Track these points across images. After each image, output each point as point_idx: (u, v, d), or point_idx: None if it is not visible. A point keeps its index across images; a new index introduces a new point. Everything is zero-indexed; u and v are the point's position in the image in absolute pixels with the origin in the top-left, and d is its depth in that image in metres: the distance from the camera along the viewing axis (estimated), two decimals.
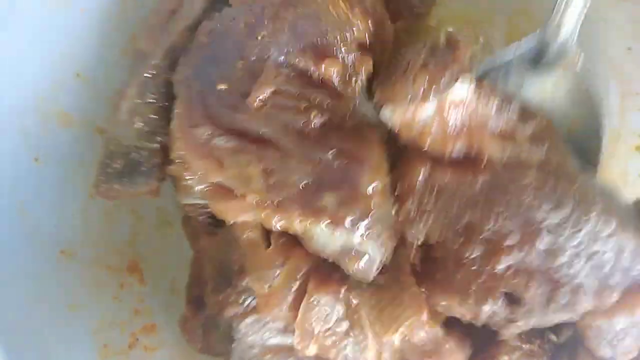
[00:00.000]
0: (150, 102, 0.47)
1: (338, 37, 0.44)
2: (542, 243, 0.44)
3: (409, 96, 0.43)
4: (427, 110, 0.44)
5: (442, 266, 0.45)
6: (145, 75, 0.47)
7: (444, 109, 0.45)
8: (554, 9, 0.50)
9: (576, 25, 0.51)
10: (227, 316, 0.48)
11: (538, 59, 0.54)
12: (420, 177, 0.45)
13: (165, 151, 0.47)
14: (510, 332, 0.46)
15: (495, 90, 0.47)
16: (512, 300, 0.45)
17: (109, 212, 0.56)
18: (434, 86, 0.43)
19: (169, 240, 0.61)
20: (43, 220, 0.49)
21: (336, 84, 0.45)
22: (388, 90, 0.45)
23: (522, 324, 0.45)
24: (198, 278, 0.60)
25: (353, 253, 0.43)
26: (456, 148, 0.46)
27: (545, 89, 0.54)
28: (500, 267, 0.44)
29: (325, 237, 0.43)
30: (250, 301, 0.47)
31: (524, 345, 0.48)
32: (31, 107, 0.50)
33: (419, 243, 0.45)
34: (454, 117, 0.45)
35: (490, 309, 0.44)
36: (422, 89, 0.43)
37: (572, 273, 0.44)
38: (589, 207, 0.44)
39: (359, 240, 0.42)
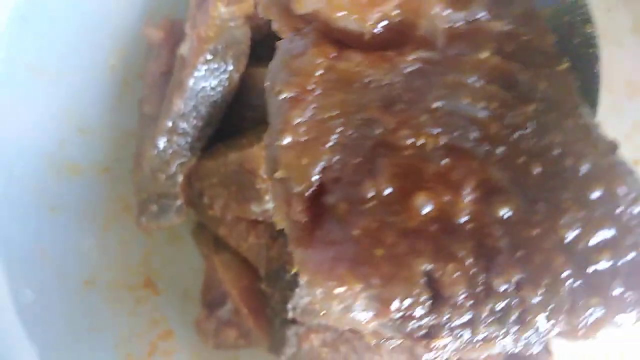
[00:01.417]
0: (167, 160, 0.57)
1: None
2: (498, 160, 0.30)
3: None
4: None
5: (332, 216, 0.29)
6: (160, 138, 0.56)
7: None
8: None
9: None
10: None
11: None
12: (320, 71, 0.31)
13: (185, 190, 0.59)
14: None
15: None
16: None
17: (123, 239, 0.66)
18: None
19: (179, 253, 0.70)
20: (65, 259, 0.59)
21: None
22: None
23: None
24: (211, 283, 0.69)
25: None
26: (381, 16, 0.32)
27: None
28: (422, 211, 0.29)
29: None
30: None
31: None
32: (42, 163, 0.59)
33: (314, 180, 0.30)
34: None
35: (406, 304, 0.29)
36: None
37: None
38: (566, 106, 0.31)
39: None
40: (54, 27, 0.56)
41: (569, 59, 0.34)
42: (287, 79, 0.32)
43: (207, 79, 0.53)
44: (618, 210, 0.30)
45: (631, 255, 0.29)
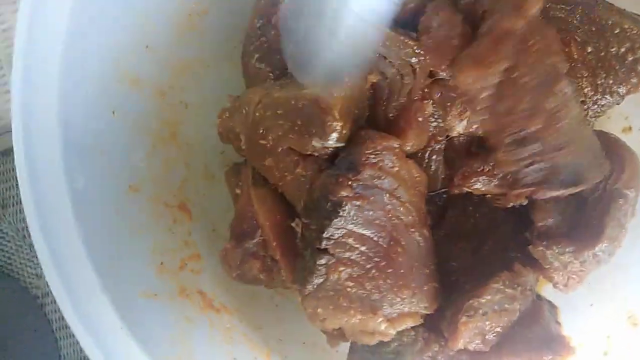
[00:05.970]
0: None
1: None
2: None
3: None
4: None
5: None
6: None
7: None
8: None
9: None
10: (338, 195, 0.55)
11: None
12: None
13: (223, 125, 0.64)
14: None
15: None
16: None
17: (166, 161, 0.69)
18: None
19: (212, 189, 0.74)
20: (117, 161, 0.62)
21: None
22: None
23: None
24: (243, 215, 0.71)
25: None
26: None
27: None
28: None
29: None
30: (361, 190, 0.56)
31: None
32: (109, 73, 0.63)
33: None
34: None
35: None
36: None
37: None
38: None
39: None
40: None
41: None
42: None
43: None
44: None
45: None
